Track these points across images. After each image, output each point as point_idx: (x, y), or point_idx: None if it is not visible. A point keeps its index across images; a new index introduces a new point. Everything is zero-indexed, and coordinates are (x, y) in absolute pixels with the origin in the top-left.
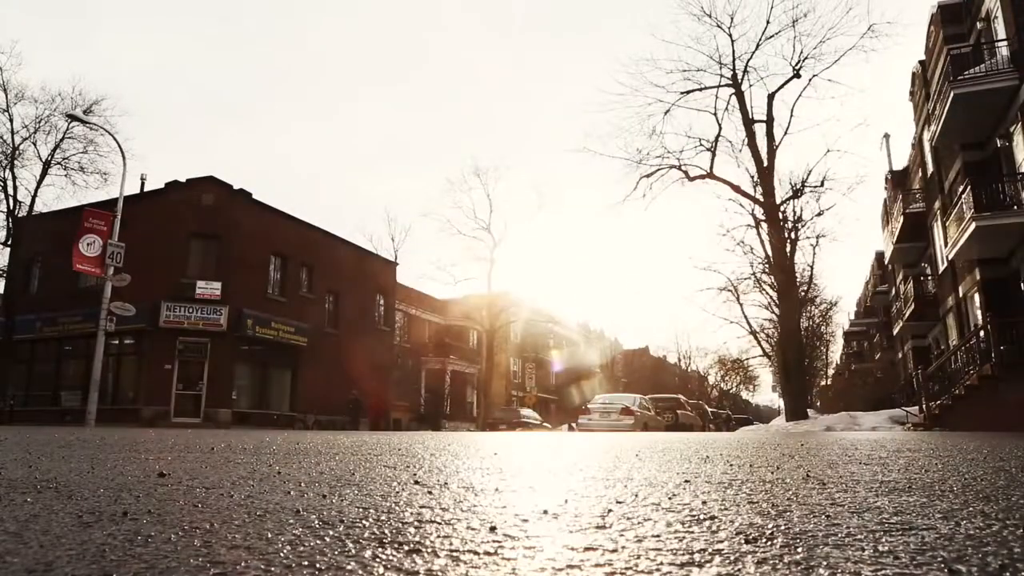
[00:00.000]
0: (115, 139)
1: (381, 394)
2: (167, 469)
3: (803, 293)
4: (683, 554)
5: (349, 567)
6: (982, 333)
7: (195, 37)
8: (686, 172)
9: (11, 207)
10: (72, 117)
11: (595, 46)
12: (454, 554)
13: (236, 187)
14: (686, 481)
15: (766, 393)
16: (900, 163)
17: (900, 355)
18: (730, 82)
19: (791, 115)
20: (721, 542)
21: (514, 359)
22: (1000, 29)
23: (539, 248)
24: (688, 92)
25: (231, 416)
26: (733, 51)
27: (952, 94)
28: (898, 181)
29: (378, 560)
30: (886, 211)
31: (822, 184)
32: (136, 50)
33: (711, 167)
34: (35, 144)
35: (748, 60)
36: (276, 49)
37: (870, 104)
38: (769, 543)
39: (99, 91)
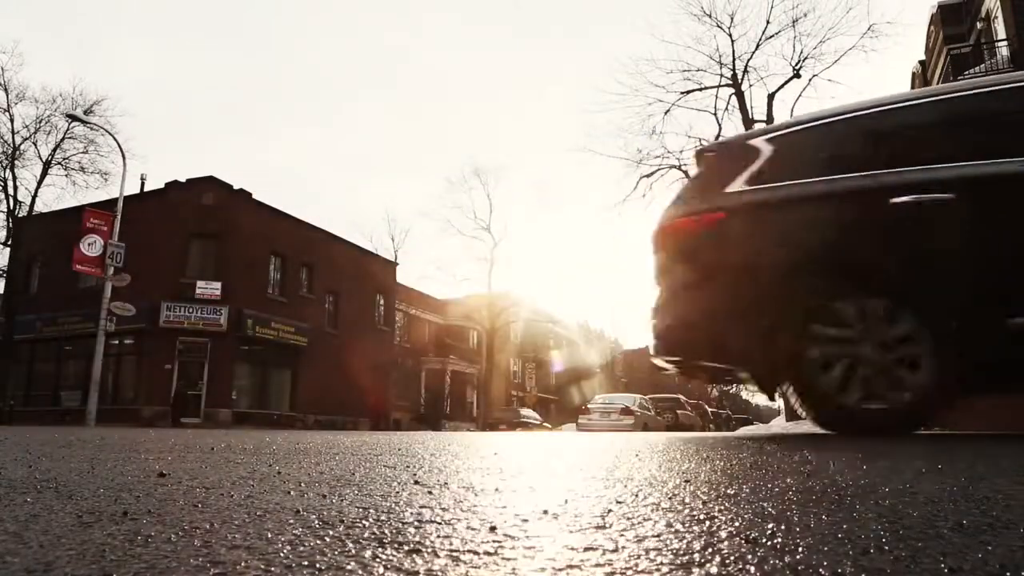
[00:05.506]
0: (115, 139)
1: (381, 394)
2: (167, 469)
3: None
4: (683, 554)
5: (349, 567)
6: None
7: (197, 41)
8: (686, 172)
9: (11, 207)
10: (72, 117)
11: (595, 47)
12: (454, 554)
13: (236, 187)
14: (686, 481)
15: None
16: None
17: None
18: (730, 82)
19: (791, 115)
20: (722, 542)
21: (514, 359)
22: (1000, 29)
23: (539, 248)
24: (688, 92)
25: (231, 416)
26: (733, 51)
27: None
28: None
29: (378, 560)
30: None
31: None
32: (138, 52)
33: None
34: (35, 144)
35: (748, 60)
36: (276, 51)
37: None
38: (769, 542)
39: (100, 91)
